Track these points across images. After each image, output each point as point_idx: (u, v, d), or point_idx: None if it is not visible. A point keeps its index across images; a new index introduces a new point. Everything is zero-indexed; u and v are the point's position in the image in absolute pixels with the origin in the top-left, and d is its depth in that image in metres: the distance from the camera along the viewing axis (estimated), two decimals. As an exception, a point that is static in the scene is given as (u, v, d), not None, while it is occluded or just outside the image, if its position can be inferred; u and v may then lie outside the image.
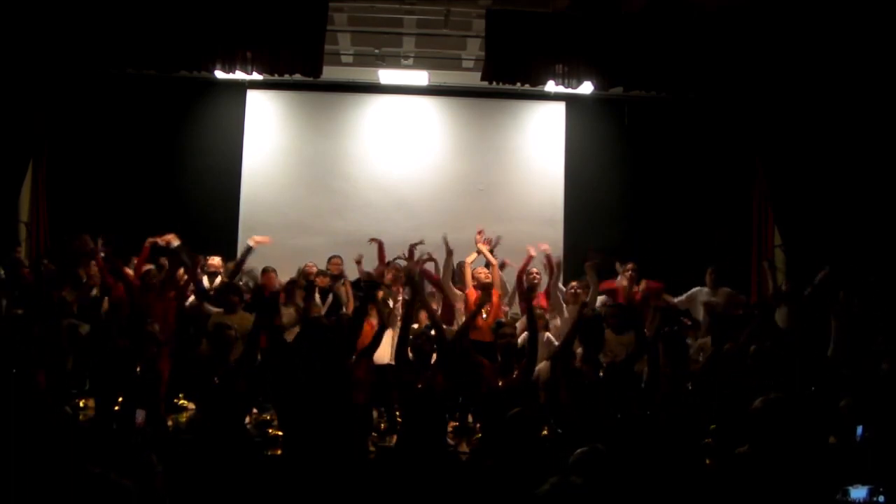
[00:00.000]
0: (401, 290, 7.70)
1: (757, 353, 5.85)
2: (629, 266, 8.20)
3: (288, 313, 6.93)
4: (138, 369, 5.00)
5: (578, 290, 7.39)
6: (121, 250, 8.15)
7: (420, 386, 4.92)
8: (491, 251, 7.77)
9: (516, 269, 7.52)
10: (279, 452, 5.19)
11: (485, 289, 7.12)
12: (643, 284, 7.92)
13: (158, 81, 9.14)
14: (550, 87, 8.16)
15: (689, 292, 8.33)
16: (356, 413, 5.10)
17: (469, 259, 7.67)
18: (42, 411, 3.87)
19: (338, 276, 7.97)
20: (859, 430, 4.51)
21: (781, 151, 8.47)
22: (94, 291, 7.90)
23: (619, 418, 4.97)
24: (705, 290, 8.27)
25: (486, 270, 7.54)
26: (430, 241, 9.66)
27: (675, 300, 8.15)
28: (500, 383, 5.06)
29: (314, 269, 7.94)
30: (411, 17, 8.20)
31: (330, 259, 8.30)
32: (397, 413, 5.65)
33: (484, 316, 7.02)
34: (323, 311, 7.18)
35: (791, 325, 7.56)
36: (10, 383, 4.66)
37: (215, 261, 7.96)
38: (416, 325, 6.82)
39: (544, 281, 8.17)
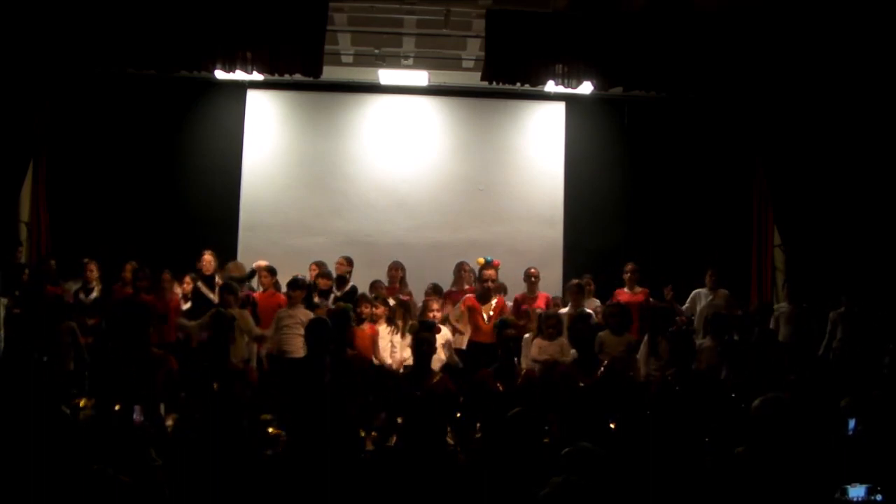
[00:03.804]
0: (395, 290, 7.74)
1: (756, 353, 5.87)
2: (629, 267, 8.22)
3: (290, 314, 6.95)
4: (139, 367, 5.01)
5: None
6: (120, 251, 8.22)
7: (420, 387, 4.93)
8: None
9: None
10: (279, 452, 5.19)
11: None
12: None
13: (158, 81, 9.13)
14: (550, 87, 8.15)
15: (690, 296, 8.37)
16: (356, 413, 5.10)
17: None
18: (41, 410, 3.87)
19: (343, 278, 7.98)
20: (851, 423, 4.52)
21: (781, 151, 8.47)
22: (95, 293, 7.93)
23: (618, 418, 4.98)
24: (704, 291, 8.30)
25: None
26: (429, 241, 9.74)
27: (685, 307, 8.21)
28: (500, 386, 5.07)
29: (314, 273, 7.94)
30: (411, 17, 8.19)
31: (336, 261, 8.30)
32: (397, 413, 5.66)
33: (486, 319, 7.05)
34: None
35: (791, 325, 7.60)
36: (10, 382, 4.66)
37: (207, 257, 7.95)
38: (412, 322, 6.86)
39: (543, 280, 8.19)
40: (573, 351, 6.21)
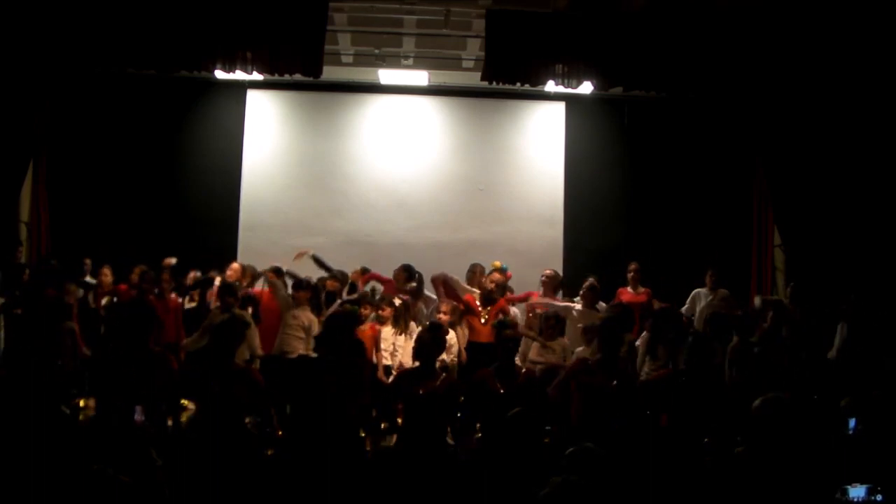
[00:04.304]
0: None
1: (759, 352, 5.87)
2: (633, 266, 8.22)
3: (294, 315, 6.95)
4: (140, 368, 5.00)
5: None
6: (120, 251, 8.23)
7: (421, 387, 4.92)
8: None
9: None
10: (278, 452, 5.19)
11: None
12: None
13: (158, 81, 9.13)
14: (550, 87, 8.16)
15: (690, 296, 8.36)
16: (357, 413, 5.09)
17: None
18: (41, 410, 3.87)
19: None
20: (852, 422, 4.52)
21: (781, 151, 8.47)
22: (106, 300, 7.93)
23: (620, 419, 4.98)
24: (704, 290, 8.29)
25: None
26: (429, 241, 9.75)
27: (684, 308, 8.20)
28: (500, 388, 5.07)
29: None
30: (411, 17, 8.20)
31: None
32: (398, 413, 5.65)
33: (483, 321, 7.05)
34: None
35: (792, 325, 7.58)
36: (10, 382, 4.67)
37: (235, 266, 7.96)
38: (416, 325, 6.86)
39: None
40: (581, 349, 6.27)
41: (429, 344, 5.08)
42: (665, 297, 8.13)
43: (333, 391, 4.83)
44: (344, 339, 5.17)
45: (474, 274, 8.10)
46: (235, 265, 8.00)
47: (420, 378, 5.01)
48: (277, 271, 7.86)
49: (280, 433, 5.37)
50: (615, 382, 5.05)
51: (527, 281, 8.33)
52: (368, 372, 5.51)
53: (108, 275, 8.04)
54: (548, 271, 7.96)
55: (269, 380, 5.53)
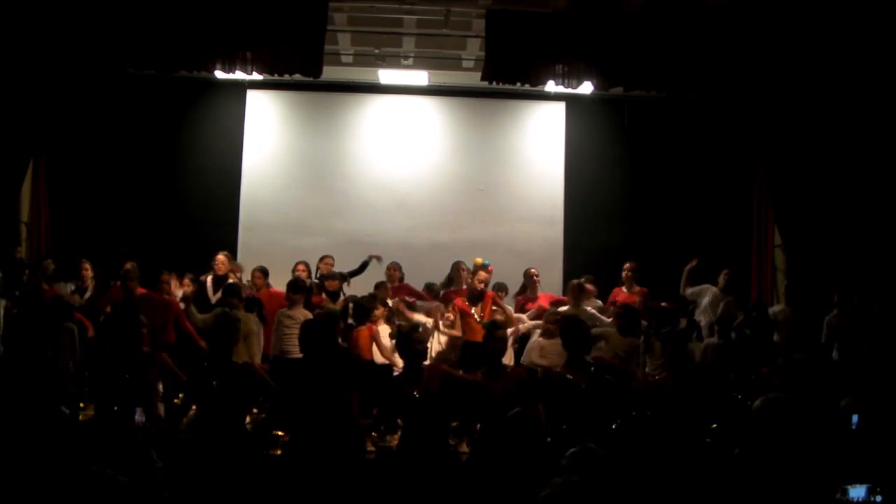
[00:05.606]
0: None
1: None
2: (628, 266, 8.22)
3: (290, 315, 6.96)
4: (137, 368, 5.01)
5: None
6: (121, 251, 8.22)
7: (417, 389, 4.92)
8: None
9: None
10: (279, 452, 5.19)
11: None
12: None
13: (158, 81, 9.14)
14: (550, 87, 8.17)
15: (702, 286, 8.30)
16: (356, 414, 5.10)
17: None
18: (41, 410, 3.86)
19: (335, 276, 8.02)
20: (854, 418, 4.51)
21: (781, 151, 8.47)
22: (89, 293, 7.92)
23: (618, 419, 4.98)
24: (715, 289, 8.26)
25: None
26: (429, 241, 9.75)
27: (689, 290, 8.14)
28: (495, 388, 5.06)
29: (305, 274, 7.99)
30: (411, 17, 8.20)
31: (321, 258, 8.37)
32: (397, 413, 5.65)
33: (478, 319, 7.06)
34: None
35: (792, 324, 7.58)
36: (9, 382, 4.67)
37: (220, 257, 7.96)
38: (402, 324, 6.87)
39: (543, 280, 8.20)
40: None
41: (405, 345, 5.12)
42: (664, 297, 8.12)
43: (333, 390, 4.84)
44: (324, 343, 5.16)
45: (459, 272, 8.09)
46: (221, 256, 7.96)
47: (407, 380, 5.03)
48: (263, 271, 7.89)
49: (280, 433, 5.38)
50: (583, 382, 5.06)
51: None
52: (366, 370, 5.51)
53: (88, 269, 8.04)
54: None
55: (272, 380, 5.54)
